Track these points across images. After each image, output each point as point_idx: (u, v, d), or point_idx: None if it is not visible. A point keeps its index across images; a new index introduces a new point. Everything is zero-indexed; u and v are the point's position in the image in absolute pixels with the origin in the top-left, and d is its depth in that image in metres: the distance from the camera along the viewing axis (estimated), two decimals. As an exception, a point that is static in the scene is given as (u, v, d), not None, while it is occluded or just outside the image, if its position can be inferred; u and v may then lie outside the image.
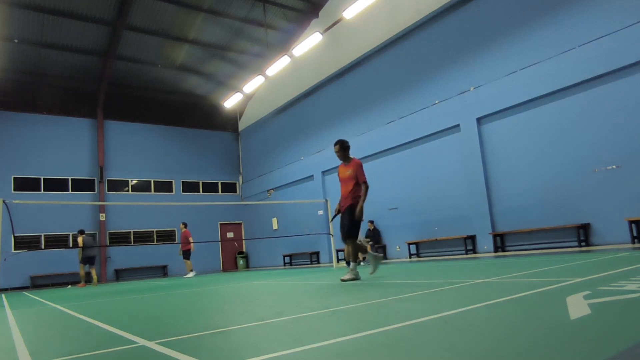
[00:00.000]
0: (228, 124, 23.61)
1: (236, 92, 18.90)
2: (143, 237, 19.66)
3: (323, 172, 17.35)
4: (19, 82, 17.91)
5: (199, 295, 5.82)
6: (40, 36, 16.15)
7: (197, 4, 16.19)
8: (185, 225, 14.97)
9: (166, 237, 20.25)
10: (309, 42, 14.71)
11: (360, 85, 15.79)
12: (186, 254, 14.47)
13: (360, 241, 6.41)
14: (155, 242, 19.49)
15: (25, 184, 17.67)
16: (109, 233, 19.04)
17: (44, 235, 17.63)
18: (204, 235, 20.48)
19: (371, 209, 14.69)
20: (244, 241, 22.55)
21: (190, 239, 14.53)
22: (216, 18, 16.95)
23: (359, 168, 5.88)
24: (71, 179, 18.73)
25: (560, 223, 9.81)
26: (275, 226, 20.18)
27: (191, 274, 14.29)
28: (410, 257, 13.10)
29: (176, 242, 19.72)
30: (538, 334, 1.78)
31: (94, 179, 19.20)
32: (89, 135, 19.46)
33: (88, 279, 13.48)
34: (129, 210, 19.11)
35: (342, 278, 5.73)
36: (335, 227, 13.78)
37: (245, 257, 22.14)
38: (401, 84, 14.04)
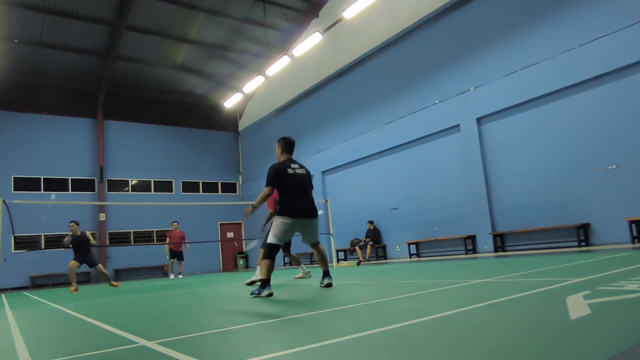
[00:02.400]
0: (228, 124, 23.61)
1: (236, 92, 18.90)
2: (143, 237, 19.65)
3: (323, 172, 17.33)
4: (19, 82, 17.90)
5: (199, 295, 5.82)
6: (40, 36, 16.14)
7: (197, 4, 16.19)
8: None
9: (166, 237, 20.24)
10: (309, 42, 14.71)
11: (360, 85, 15.79)
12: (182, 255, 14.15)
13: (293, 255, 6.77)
14: (155, 242, 19.48)
15: (25, 184, 17.66)
16: (109, 233, 19.03)
17: (44, 235, 17.63)
18: (204, 235, 20.48)
19: (371, 209, 14.72)
20: (243, 241, 22.54)
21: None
22: (216, 18, 16.95)
23: None
24: (71, 179, 18.72)
25: (560, 223, 9.81)
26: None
27: (181, 276, 14.17)
28: (410, 257, 13.10)
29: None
30: (538, 334, 1.78)
31: (94, 179, 19.19)
32: (89, 135, 19.45)
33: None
34: (129, 210, 19.10)
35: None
36: (335, 226, 13.81)
37: (245, 257, 22.12)
38: (401, 84, 14.04)
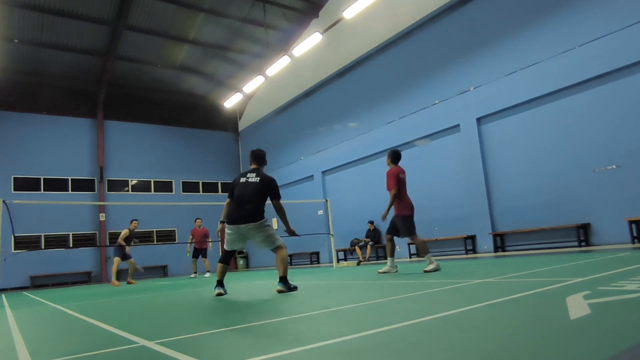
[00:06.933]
0: (228, 124, 23.60)
1: (236, 92, 18.90)
2: (143, 237, 19.63)
3: (323, 172, 17.34)
4: (19, 82, 17.89)
5: (199, 296, 5.82)
6: (40, 36, 16.13)
7: (197, 4, 16.19)
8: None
9: (166, 237, 20.23)
10: (309, 42, 14.70)
11: (360, 85, 15.79)
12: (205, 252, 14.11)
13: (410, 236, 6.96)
14: (155, 242, 19.48)
15: (25, 184, 17.65)
16: (109, 233, 19.03)
17: (44, 235, 17.62)
18: (204, 235, 20.46)
19: (371, 209, 14.70)
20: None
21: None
22: (216, 18, 16.95)
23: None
24: (71, 179, 18.72)
25: (560, 223, 9.81)
26: (275, 226, 20.16)
27: (208, 274, 13.98)
28: (410, 257, 13.10)
29: (176, 242, 19.72)
30: (538, 334, 1.78)
31: (94, 179, 19.18)
32: (89, 135, 19.45)
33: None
34: (129, 210, 19.07)
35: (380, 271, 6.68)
36: (335, 226, 13.80)
37: (246, 257, 22.12)
38: (401, 84, 14.03)
